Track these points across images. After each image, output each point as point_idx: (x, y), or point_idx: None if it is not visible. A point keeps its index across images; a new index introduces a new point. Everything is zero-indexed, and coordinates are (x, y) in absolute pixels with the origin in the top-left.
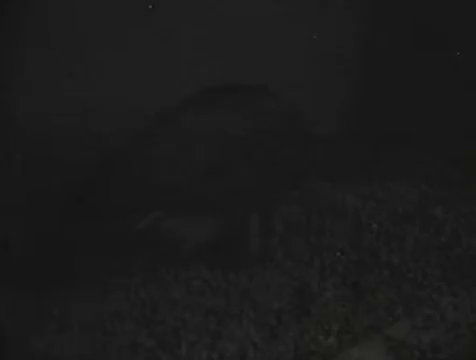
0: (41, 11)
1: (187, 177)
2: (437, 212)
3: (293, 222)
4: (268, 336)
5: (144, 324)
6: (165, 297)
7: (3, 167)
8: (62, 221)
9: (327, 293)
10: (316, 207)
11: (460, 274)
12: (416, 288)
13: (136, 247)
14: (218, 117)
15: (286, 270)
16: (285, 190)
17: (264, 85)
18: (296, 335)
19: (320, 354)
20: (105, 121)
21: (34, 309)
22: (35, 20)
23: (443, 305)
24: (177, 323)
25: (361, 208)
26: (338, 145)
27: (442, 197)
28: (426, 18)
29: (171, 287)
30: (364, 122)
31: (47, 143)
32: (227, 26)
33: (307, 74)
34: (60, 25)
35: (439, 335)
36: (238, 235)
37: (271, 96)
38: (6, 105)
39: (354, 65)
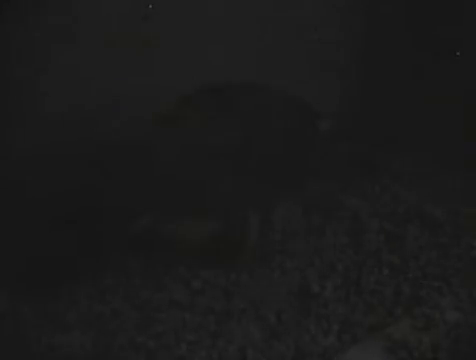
0: (41, 10)
1: (187, 176)
2: (437, 212)
3: (293, 222)
4: (268, 336)
5: (144, 324)
6: (165, 297)
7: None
8: (60, 222)
9: (327, 293)
10: (316, 207)
11: (460, 274)
12: (416, 288)
13: (136, 247)
14: (218, 116)
15: (286, 270)
16: (285, 190)
17: (265, 85)
18: (296, 335)
19: (320, 354)
20: (102, 121)
21: (34, 310)
22: (35, 19)
23: (443, 305)
24: (177, 323)
25: (361, 208)
26: (338, 145)
27: (442, 197)
28: (426, 18)
29: (171, 287)
30: (364, 122)
31: (45, 143)
32: (227, 26)
33: (308, 74)
34: (58, 25)
35: (439, 335)
36: (238, 235)
37: (272, 95)
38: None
39: (354, 66)
